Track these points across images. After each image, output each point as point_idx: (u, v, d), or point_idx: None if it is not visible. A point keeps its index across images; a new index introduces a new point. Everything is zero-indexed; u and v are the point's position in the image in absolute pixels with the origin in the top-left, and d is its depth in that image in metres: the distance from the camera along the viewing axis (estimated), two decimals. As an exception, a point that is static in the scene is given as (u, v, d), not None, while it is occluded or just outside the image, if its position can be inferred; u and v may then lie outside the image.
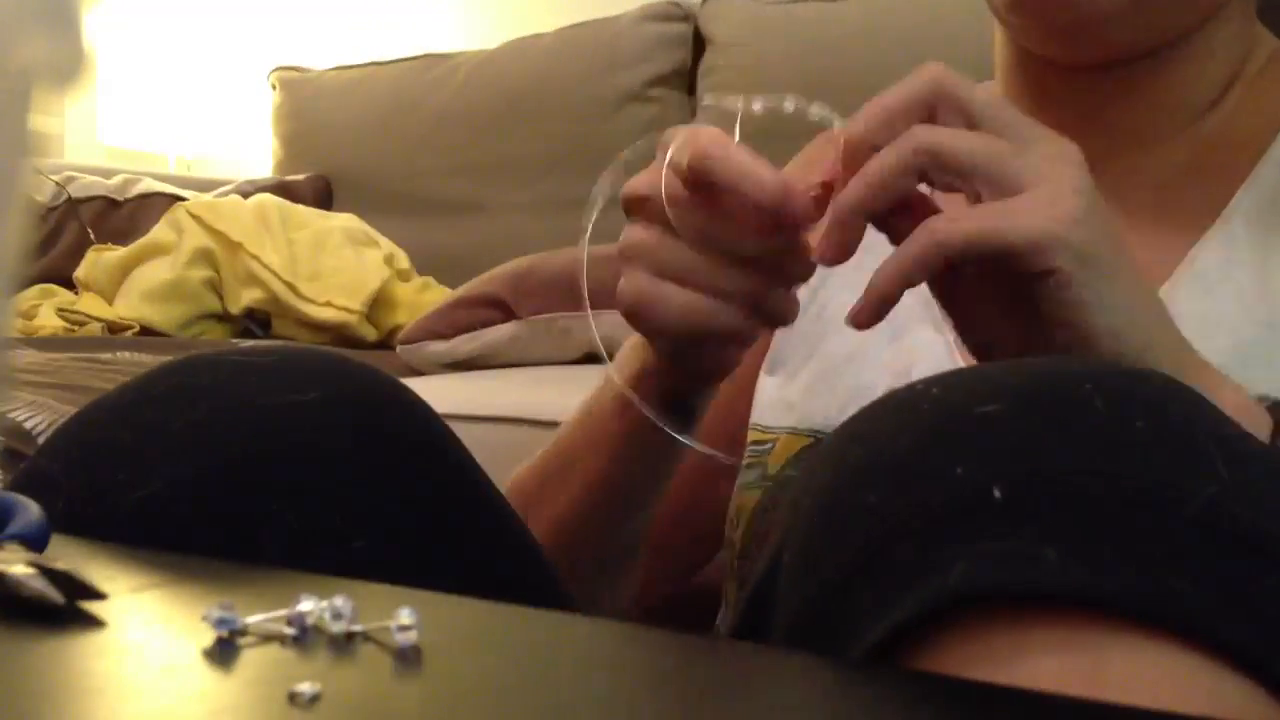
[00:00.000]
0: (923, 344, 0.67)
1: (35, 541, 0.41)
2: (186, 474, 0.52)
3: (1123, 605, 0.33)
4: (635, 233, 0.56)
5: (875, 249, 0.77)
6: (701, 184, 0.52)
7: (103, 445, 0.53)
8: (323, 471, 0.54)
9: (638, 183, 0.56)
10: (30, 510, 0.43)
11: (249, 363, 0.56)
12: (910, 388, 0.41)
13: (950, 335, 0.67)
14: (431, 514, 0.56)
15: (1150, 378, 0.39)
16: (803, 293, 0.74)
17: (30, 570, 0.37)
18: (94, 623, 0.37)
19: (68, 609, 0.37)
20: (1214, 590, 0.34)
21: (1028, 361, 0.41)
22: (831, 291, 0.74)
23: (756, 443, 0.72)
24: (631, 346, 0.64)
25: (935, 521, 0.36)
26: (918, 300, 0.69)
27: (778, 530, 0.42)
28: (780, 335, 0.75)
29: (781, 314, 0.57)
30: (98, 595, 0.38)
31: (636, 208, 0.56)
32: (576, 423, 0.69)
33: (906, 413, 0.40)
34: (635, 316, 0.56)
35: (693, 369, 0.60)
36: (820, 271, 0.74)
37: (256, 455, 0.53)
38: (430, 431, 0.58)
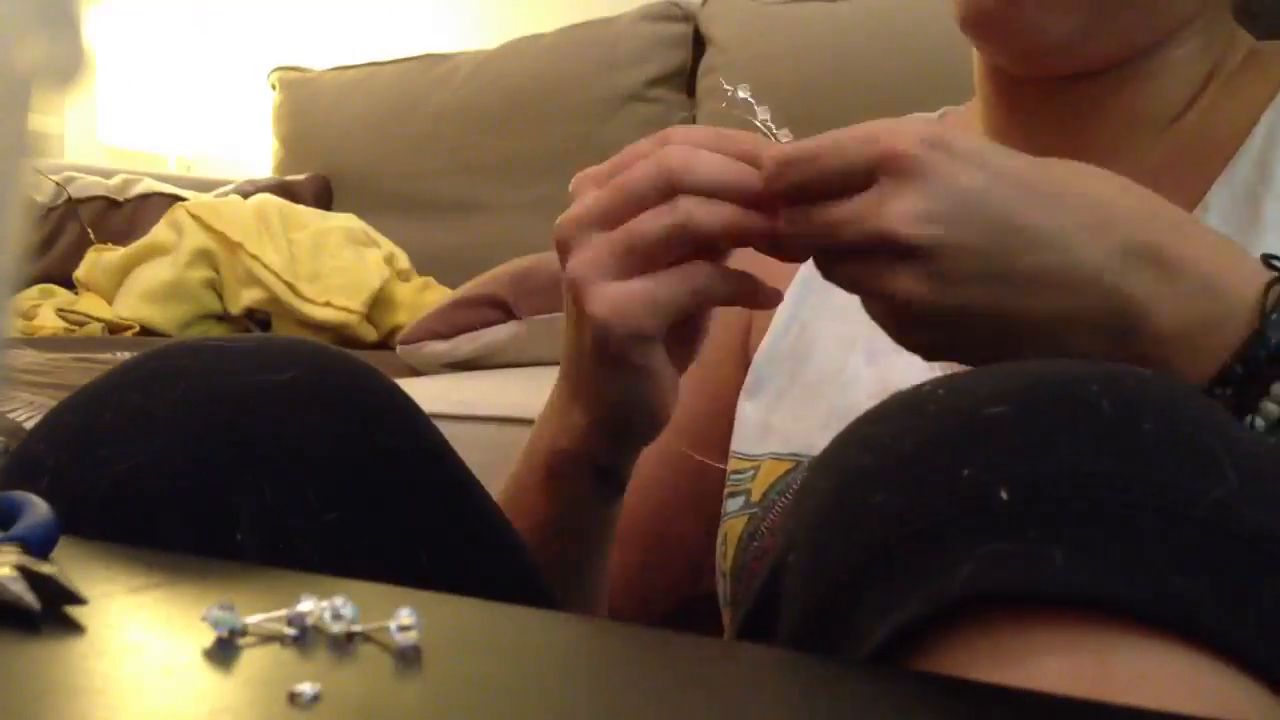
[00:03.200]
0: (902, 365, 0.67)
1: (38, 544, 0.41)
2: (164, 449, 0.53)
3: (1129, 607, 0.33)
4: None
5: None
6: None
7: (86, 426, 0.55)
8: (297, 446, 0.55)
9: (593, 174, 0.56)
10: (37, 512, 0.43)
11: (227, 347, 0.57)
12: (916, 389, 0.41)
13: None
14: (405, 489, 0.57)
15: (1157, 379, 0.39)
16: (782, 316, 0.75)
17: (13, 574, 0.37)
18: (78, 627, 0.36)
19: (47, 613, 0.37)
20: (1221, 592, 0.34)
21: (1034, 363, 0.41)
22: (810, 315, 0.74)
23: (738, 471, 0.72)
24: (552, 408, 0.63)
25: (941, 523, 0.36)
26: None
27: (781, 531, 0.42)
28: (760, 359, 0.75)
29: (701, 329, 0.58)
30: (78, 600, 0.38)
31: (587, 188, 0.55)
32: (523, 456, 0.67)
33: (912, 414, 0.40)
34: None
35: (623, 418, 0.58)
36: (798, 295, 0.75)
37: (232, 431, 0.54)
38: (404, 412, 0.59)
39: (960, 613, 0.34)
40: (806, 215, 0.49)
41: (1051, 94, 0.68)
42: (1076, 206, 0.47)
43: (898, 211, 0.46)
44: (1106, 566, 0.34)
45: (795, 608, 0.39)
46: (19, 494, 0.45)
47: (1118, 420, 0.37)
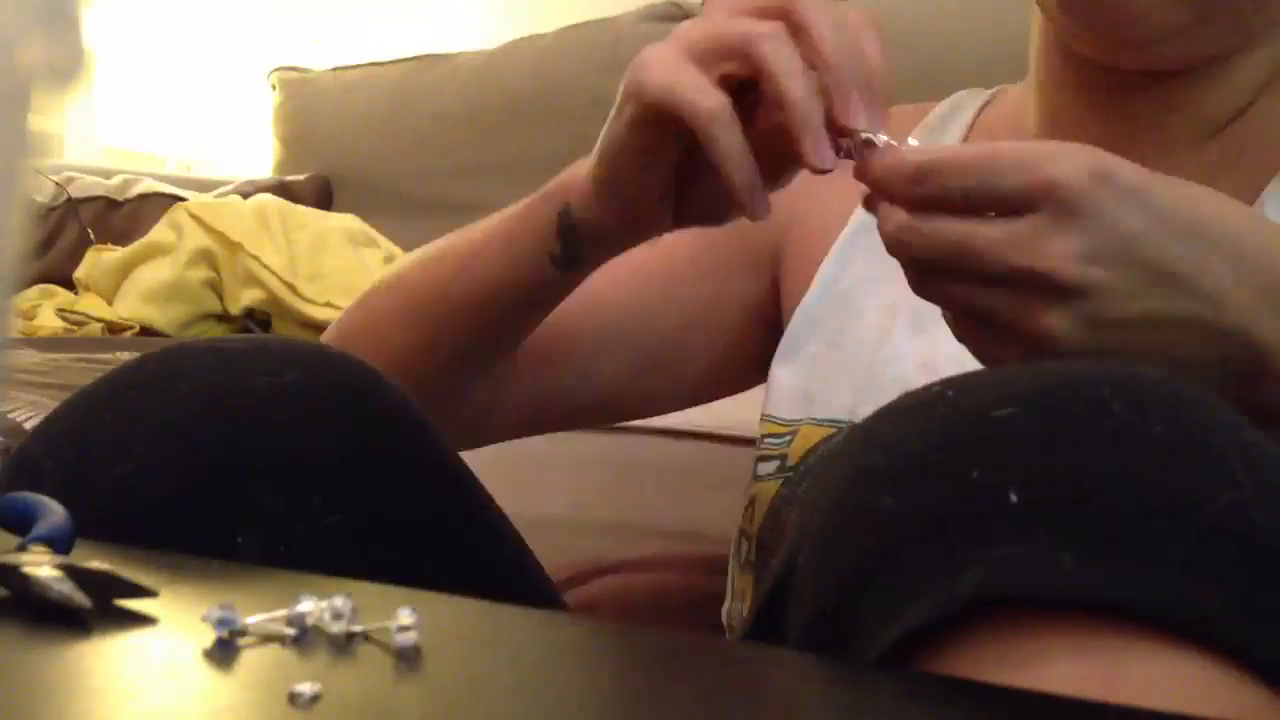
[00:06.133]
0: (947, 337, 0.67)
1: (60, 544, 0.42)
2: (163, 453, 0.53)
3: (1139, 611, 0.33)
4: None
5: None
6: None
7: (85, 428, 0.55)
8: (298, 450, 0.55)
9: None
10: (55, 513, 0.43)
11: (228, 349, 0.57)
12: (925, 390, 0.41)
13: None
14: (406, 490, 0.58)
15: (1168, 381, 0.39)
16: (824, 278, 0.74)
17: (57, 573, 0.37)
18: (78, 627, 0.37)
19: (97, 610, 0.37)
20: (1231, 596, 0.34)
21: (1044, 365, 0.41)
22: (852, 280, 0.73)
23: (773, 435, 0.72)
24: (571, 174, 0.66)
25: (951, 524, 0.36)
26: None
27: (793, 529, 0.42)
28: (797, 321, 0.74)
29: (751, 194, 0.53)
30: (149, 593, 0.38)
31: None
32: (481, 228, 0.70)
33: (922, 415, 0.40)
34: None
35: (622, 199, 0.62)
36: (841, 258, 0.73)
37: (232, 435, 0.54)
38: (405, 413, 0.59)
39: (970, 615, 0.34)
40: (942, 227, 0.46)
41: (1129, 90, 0.66)
42: (1221, 244, 0.46)
43: (1059, 249, 0.44)
44: (1116, 570, 0.34)
45: (805, 607, 0.39)
46: (30, 495, 0.45)
47: (1128, 423, 0.36)
